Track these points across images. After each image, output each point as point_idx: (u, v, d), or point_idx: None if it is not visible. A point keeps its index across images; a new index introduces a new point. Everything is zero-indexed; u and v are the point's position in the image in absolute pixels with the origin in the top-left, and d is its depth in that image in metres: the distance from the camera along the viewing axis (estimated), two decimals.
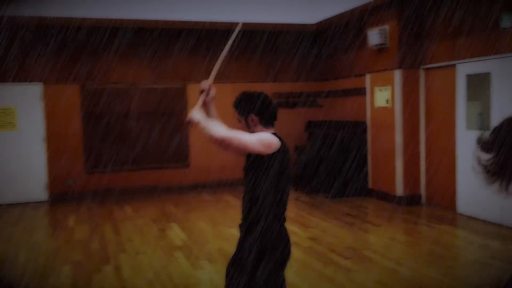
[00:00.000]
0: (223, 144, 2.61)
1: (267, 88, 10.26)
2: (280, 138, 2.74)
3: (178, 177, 9.93)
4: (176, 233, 6.45)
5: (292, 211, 7.66)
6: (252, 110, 2.78)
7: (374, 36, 7.98)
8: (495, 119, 6.38)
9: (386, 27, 7.85)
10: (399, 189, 7.84)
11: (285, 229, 2.84)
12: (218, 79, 10.04)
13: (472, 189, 6.84)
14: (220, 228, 6.68)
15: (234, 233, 6.21)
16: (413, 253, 5.37)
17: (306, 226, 6.60)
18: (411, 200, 7.85)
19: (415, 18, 7.66)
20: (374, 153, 8.43)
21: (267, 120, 2.81)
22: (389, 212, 7.38)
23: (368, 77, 8.48)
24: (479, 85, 7.04)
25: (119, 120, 9.51)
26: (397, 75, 7.73)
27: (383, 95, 8.08)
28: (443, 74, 7.35)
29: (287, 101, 10.48)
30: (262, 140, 2.65)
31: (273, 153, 2.67)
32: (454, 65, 7.06)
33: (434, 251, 5.43)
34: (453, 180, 7.21)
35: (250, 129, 2.80)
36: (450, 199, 7.30)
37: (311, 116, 10.56)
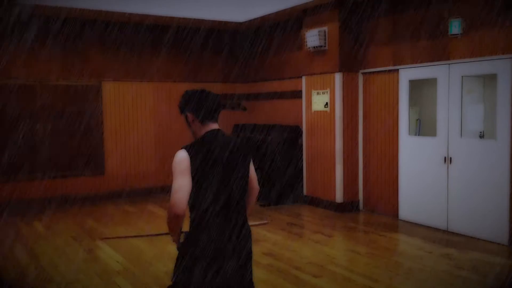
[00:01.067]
0: (173, 212, 2.47)
1: (187, 88, 9.60)
2: (214, 136, 2.66)
3: (92, 186, 8.84)
4: (108, 254, 5.54)
5: None
6: (188, 108, 2.70)
7: (312, 38, 7.68)
8: (440, 125, 6.37)
9: (325, 28, 7.59)
10: (339, 196, 7.62)
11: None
12: (140, 78, 9.23)
13: (413, 195, 6.81)
14: (158, 244, 5.89)
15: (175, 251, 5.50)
16: (381, 266, 5.07)
17: (253, 240, 6.03)
18: (350, 206, 7.67)
19: (356, 21, 7.49)
20: (310, 158, 8.14)
21: (204, 116, 2.68)
22: (333, 220, 7.10)
23: (304, 80, 8.17)
24: (421, 91, 7.05)
25: (22, 121, 8.19)
26: (338, 78, 7.50)
27: (322, 99, 7.81)
28: (384, 79, 7.25)
29: None
30: (175, 170, 2.53)
31: (190, 164, 2.54)
32: (397, 70, 6.98)
33: (400, 263, 5.19)
34: (395, 186, 7.13)
35: (191, 128, 2.73)
36: (391, 205, 7.21)
37: (237, 120, 10.05)
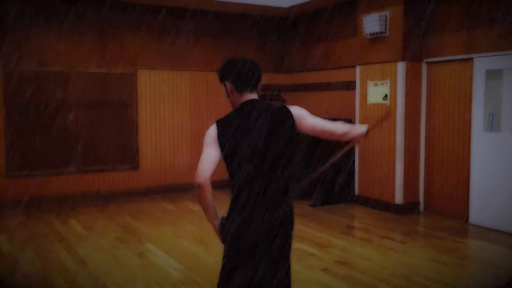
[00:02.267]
0: (195, 181, 2.45)
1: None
2: (251, 106, 2.52)
3: (126, 181, 8.28)
4: (163, 259, 4.96)
5: None
6: (226, 77, 2.56)
7: (371, 23, 7.03)
8: (506, 119, 5.74)
9: (387, 13, 6.94)
10: (398, 196, 6.99)
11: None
12: (178, 66, 8.61)
13: (489, 198, 6.17)
14: (214, 250, 5.29)
15: None
16: (477, 279, 4.46)
17: (318, 244, 5.45)
18: (410, 208, 7.04)
19: (422, 4, 6.83)
20: (364, 155, 7.51)
21: (241, 86, 2.53)
22: (396, 223, 6.48)
23: (358, 70, 7.53)
24: (496, 83, 6.40)
25: (52, 111, 7.63)
26: (400, 68, 6.85)
27: (380, 90, 7.17)
28: (454, 69, 6.59)
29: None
30: (203, 144, 2.51)
31: (220, 136, 2.46)
32: (471, 59, 6.33)
33: (498, 276, 4.56)
34: (465, 187, 6.49)
35: (230, 98, 2.59)
36: (459, 208, 6.58)
37: None
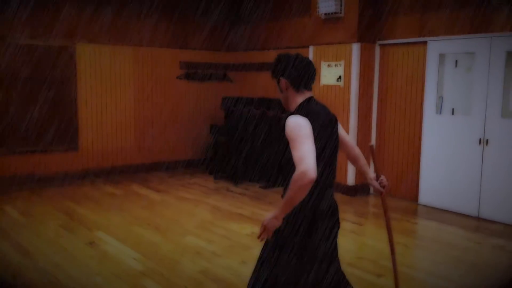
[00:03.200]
0: (307, 177, 2.21)
1: (174, 55, 8.64)
2: (315, 103, 2.51)
3: (63, 163, 7.69)
4: (118, 249, 4.60)
5: (239, 206, 6.29)
6: (282, 73, 2.53)
7: (326, 3, 6.90)
8: (476, 103, 5.88)
9: None
10: (351, 178, 7.01)
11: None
12: (115, 41, 8.07)
13: (438, 178, 6.33)
14: (174, 238, 5.01)
15: (198, 243, 4.69)
16: (440, 261, 4.52)
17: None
18: (361, 189, 7.10)
19: None
20: None
21: (299, 83, 2.50)
22: (350, 205, 6.50)
23: (312, 50, 7.41)
24: (448, 66, 6.51)
25: None
26: (355, 49, 6.80)
27: (334, 72, 7.11)
28: (407, 52, 6.64)
29: (195, 73, 8.90)
30: (298, 135, 2.31)
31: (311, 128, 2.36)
32: (425, 42, 6.39)
33: (457, 256, 4.65)
34: (415, 168, 6.62)
35: (283, 94, 2.56)
36: (410, 189, 6.71)
37: (226, 92, 9.17)
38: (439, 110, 6.49)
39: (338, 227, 2.62)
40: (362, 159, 2.87)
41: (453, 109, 6.48)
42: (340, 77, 7.01)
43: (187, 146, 8.99)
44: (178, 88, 8.77)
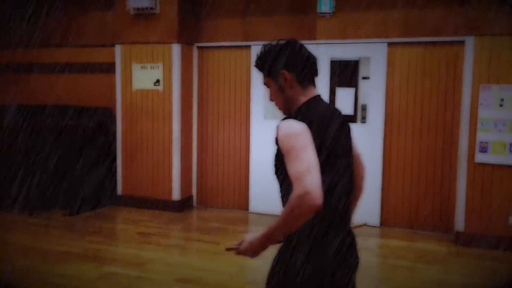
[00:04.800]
0: (309, 203, 1.60)
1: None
2: (323, 102, 1.95)
3: None
4: None
5: (60, 243, 4.95)
6: (283, 65, 1.90)
7: None
8: None
9: None
10: (176, 193, 6.35)
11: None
12: None
13: (266, 186, 6.23)
14: None
15: None
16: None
17: (131, 263, 4.35)
18: (186, 204, 6.51)
19: None
20: (129, 149, 6.50)
21: (306, 77, 1.93)
22: (187, 222, 5.87)
23: (119, 50, 6.44)
24: None
25: None
26: (176, 51, 6.18)
27: (150, 75, 6.32)
28: (230, 55, 6.37)
29: None
30: (295, 145, 1.72)
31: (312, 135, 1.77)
32: (249, 46, 6.24)
33: None
34: (244, 177, 6.40)
35: (284, 93, 1.93)
36: (240, 198, 6.46)
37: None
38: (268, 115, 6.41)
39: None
40: (358, 192, 2.15)
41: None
42: (158, 80, 6.28)
43: None
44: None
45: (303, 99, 1.92)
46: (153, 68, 6.28)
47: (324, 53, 5.87)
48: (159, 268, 4.27)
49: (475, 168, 5.03)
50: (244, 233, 5.52)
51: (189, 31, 6.30)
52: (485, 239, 4.96)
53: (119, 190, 6.59)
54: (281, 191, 1.92)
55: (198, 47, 6.50)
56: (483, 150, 5.00)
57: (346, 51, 5.84)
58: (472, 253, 4.82)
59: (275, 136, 1.81)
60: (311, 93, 1.94)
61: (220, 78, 6.44)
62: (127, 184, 6.54)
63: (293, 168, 1.66)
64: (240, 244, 1.91)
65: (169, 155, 6.27)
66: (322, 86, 5.88)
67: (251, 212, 6.33)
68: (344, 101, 5.92)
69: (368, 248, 4.87)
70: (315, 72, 1.97)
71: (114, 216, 6.15)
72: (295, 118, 1.81)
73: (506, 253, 4.79)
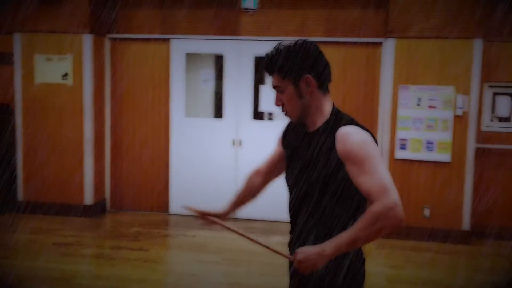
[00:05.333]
0: (400, 215, 1.57)
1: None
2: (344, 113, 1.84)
3: None
4: None
5: None
6: (308, 69, 1.75)
7: None
8: (229, 106, 5.90)
9: None
10: (88, 196, 5.84)
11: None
12: None
13: (187, 186, 6.02)
14: None
15: None
16: (262, 272, 4.27)
17: (59, 279, 3.89)
18: (99, 208, 6.03)
19: None
20: (31, 150, 5.83)
21: (326, 82, 1.81)
22: (106, 229, 5.43)
23: (18, 38, 5.73)
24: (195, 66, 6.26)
25: None
26: (88, 41, 5.66)
27: (56, 67, 5.72)
28: (146, 49, 5.99)
29: None
30: (373, 155, 1.67)
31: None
32: (168, 40, 5.92)
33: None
34: (164, 177, 6.09)
35: (302, 99, 1.78)
36: (160, 200, 6.13)
37: None
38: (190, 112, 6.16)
39: None
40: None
41: (204, 112, 6.31)
42: (66, 73, 5.71)
43: None
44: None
45: (328, 106, 1.81)
46: (61, 60, 5.70)
47: (248, 49, 5.79)
48: (90, 283, 3.88)
49: (395, 164, 5.31)
50: (170, 236, 5.26)
51: (102, 21, 5.81)
52: (403, 230, 5.26)
53: (20, 195, 5.89)
54: (320, 205, 1.74)
55: (112, 39, 6.03)
56: (402, 147, 5.30)
57: (270, 48, 5.78)
58: (394, 244, 5.08)
59: (338, 144, 1.68)
60: (328, 100, 1.83)
61: (137, 73, 6.04)
62: (30, 189, 5.87)
63: (374, 179, 1.58)
64: (296, 258, 1.63)
65: (80, 155, 5.75)
66: (245, 83, 5.81)
67: (171, 214, 6.05)
68: (267, 99, 5.90)
69: None
70: (331, 76, 1.84)
71: (18, 225, 5.48)
72: (358, 126, 1.71)
73: (421, 243, 5.12)
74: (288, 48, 1.78)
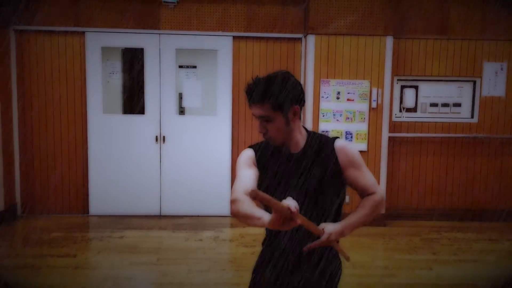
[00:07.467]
0: (381, 206, 2.06)
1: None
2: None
3: None
4: None
5: None
6: (296, 100, 1.93)
7: None
8: (151, 102, 5.76)
9: None
10: (0, 202, 5.38)
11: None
12: None
13: (108, 186, 5.79)
14: None
15: None
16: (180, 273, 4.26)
17: None
18: (8, 214, 5.57)
19: None
20: None
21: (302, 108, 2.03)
22: (26, 234, 5.03)
23: None
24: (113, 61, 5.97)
25: None
26: None
27: None
28: (60, 42, 5.61)
29: None
30: (361, 160, 2.07)
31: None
32: (83, 33, 5.60)
33: (209, 263, 4.50)
34: (81, 177, 5.78)
35: (288, 126, 1.94)
36: (79, 202, 5.81)
37: None
38: (108, 109, 5.89)
39: None
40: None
41: (125, 108, 6.06)
42: None
43: None
44: None
45: (302, 130, 2.02)
46: None
47: (169, 43, 5.67)
48: None
49: None
50: (95, 239, 5.02)
51: (5, 11, 5.33)
52: None
53: None
54: (322, 202, 1.96)
55: (17, 31, 5.56)
56: None
57: (192, 43, 5.73)
58: None
59: (340, 155, 1.97)
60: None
61: (48, 68, 5.64)
62: None
63: (370, 177, 2.03)
64: (323, 234, 1.84)
65: None
66: (168, 77, 5.70)
67: (92, 215, 5.77)
68: (190, 94, 5.85)
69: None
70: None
71: None
72: (334, 141, 2.00)
73: None
74: (270, 81, 1.87)
